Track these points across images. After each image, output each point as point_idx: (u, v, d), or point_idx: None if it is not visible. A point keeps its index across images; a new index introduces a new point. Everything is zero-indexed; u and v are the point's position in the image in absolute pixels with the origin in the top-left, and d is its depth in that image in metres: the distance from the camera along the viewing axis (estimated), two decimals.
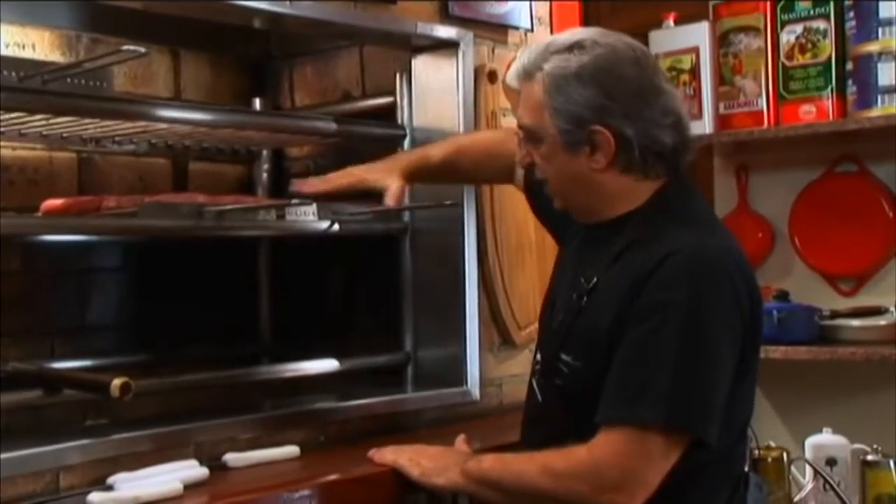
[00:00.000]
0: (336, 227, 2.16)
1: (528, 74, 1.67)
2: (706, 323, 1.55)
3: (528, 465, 1.62)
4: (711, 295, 1.56)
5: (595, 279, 1.65)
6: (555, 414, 1.69)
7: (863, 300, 2.62)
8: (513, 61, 2.33)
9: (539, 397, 1.74)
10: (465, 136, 2.23)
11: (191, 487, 1.65)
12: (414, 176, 2.06)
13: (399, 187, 1.99)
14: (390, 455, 1.79)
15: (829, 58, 2.48)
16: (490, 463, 1.68)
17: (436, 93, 2.29)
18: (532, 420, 1.79)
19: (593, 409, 1.57)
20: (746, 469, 1.73)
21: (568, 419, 1.64)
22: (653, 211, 1.66)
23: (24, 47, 2.21)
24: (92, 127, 2.08)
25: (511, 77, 1.72)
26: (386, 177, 2.01)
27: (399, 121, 2.32)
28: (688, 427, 1.55)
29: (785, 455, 2.39)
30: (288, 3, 1.98)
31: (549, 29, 2.56)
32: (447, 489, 1.74)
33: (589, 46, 1.63)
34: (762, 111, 2.57)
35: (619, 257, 1.63)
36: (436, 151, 2.10)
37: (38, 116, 1.92)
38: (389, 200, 1.98)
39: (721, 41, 2.64)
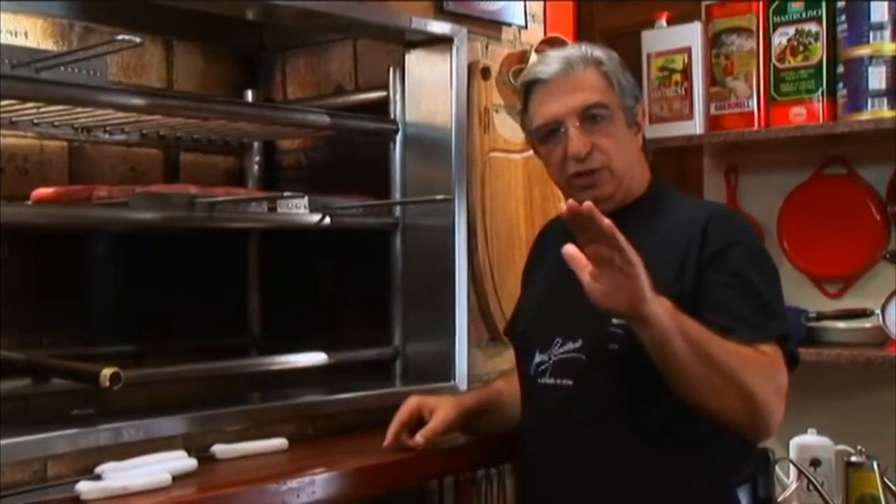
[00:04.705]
0: (327, 220, 2.17)
1: (587, 62, 1.81)
2: (771, 263, 1.79)
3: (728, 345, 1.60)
4: (760, 244, 1.85)
5: None
6: (599, 389, 1.72)
7: (849, 303, 2.64)
8: (502, 62, 2.38)
9: (570, 383, 1.76)
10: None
11: (179, 478, 1.65)
12: (477, 409, 1.96)
13: (436, 424, 1.88)
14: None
15: (821, 61, 2.49)
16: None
17: (429, 88, 2.29)
18: (558, 411, 1.78)
19: (647, 368, 1.59)
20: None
21: (618, 386, 1.68)
22: (656, 194, 1.85)
23: (16, 35, 2.20)
24: (84, 116, 2.07)
25: (563, 69, 1.80)
26: (438, 405, 1.92)
27: (392, 115, 2.31)
28: (795, 356, 1.71)
29: (769, 455, 2.40)
30: None
31: (542, 26, 2.57)
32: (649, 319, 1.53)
33: (606, 49, 1.88)
34: (753, 112, 2.58)
35: (645, 231, 1.71)
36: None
37: (29, 105, 1.92)
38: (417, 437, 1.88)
39: (713, 42, 2.65)
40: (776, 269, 1.81)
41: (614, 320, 1.69)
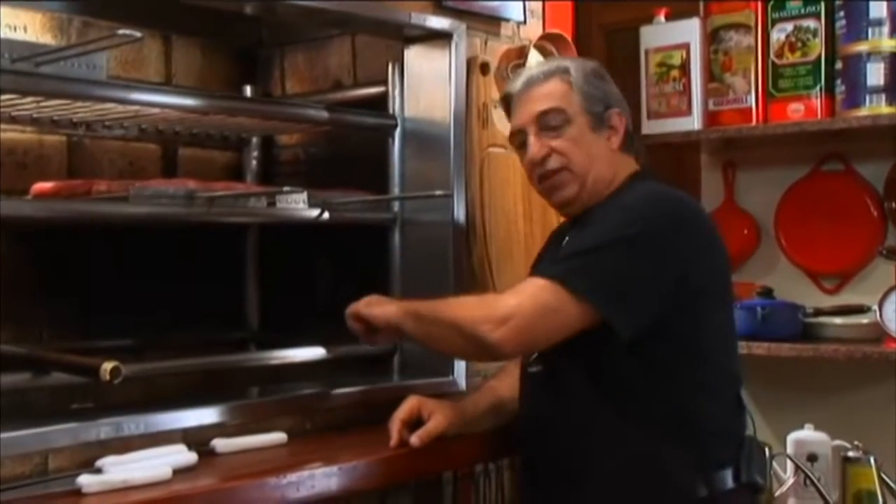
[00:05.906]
0: (326, 215, 2.17)
1: (549, 74, 1.92)
2: (638, 229, 1.75)
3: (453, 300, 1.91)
4: (653, 214, 1.78)
5: (567, 237, 1.90)
6: (563, 372, 1.83)
7: (846, 298, 2.65)
8: (500, 58, 2.38)
9: (542, 368, 1.87)
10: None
11: (179, 472, 1.65)
12: (476, 418, 2.00)
13: (433, 427, 1.90)
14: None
15: (819, 57, 2.50)
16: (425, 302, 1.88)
17: (428, 83, 2.29)
18: (536, 395, 1.90)
19: (605, 352, 1.75)
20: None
21: (579, 369, 1.78)
22: (629, 186, 1.89)
23: (15, 29, 2.20)
24: (83, 110, 2.07)
25: (526, 81, 1.94)
26: (437, 408, 1.94)
27: (390, 110, 2.32)
28: (578, 289, 1.70)
29: (767, 450, 2.41)
30: None
31: (541, 22, 2.56)
32: (381, 320, 1.89)
33: (582, 61, 2.00)
34: (751, 108, 2.60)
35: (598, 219, 1.85)
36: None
37: (29, 99, 1.91)
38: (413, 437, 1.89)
39: (711, 38, 2.66)
40: (636, 239, 1.74)
41: None
